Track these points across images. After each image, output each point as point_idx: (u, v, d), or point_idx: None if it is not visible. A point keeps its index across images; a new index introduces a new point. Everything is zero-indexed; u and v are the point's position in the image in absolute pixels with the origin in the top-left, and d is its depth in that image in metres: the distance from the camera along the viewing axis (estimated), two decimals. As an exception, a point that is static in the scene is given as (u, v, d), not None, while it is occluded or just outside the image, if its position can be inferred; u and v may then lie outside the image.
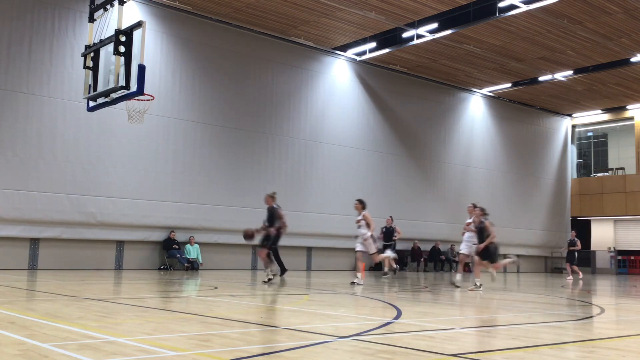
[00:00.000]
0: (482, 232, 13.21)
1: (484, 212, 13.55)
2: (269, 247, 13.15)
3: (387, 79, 25.31)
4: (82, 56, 11.73)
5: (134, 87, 9.97)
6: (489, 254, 13.09)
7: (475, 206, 14.06)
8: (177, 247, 18.91)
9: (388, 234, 20.18)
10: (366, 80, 24.71)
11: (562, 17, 19.78)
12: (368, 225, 13.56)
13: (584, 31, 20.90)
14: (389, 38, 22.88)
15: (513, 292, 13.45)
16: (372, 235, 13.73)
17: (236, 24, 20.88)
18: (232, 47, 20.95)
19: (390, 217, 20.69)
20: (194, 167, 19.71)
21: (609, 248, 31.22)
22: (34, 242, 16.96)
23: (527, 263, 30.79)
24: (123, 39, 10.08)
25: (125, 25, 10.33)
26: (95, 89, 10.96)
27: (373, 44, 23.17)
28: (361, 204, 13.74)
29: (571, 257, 21.52)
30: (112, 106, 11.53)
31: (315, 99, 23.09)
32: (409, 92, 26.03)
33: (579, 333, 6.35)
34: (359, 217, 13.62)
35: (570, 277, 21.09)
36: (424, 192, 26.17)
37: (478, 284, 12.78)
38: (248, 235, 13.11)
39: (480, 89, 28.39)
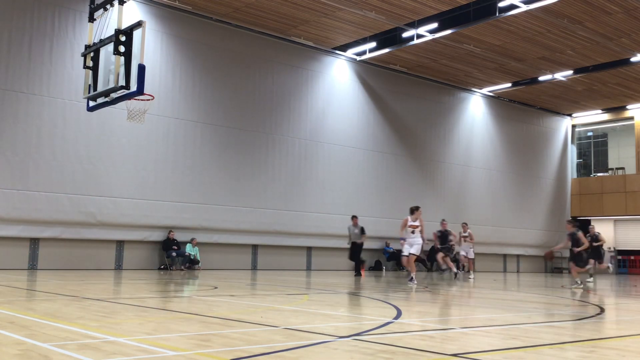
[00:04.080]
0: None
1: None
2: None
3: (387, 79, 25.31)
4: (82, 56, 11.73)
5: (134, 87, 9.97)
6: None
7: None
8: (176, 247, 18.91)
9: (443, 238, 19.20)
10: (366, 80, 24.71)
11: (562, 17, 19.77)
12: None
13: (584, 31, 20.90)
14: (389, 38, 22.87)
15: (513, 292, 13.45)
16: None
17: (236, 24, 20.88)
18: (232, 47, 20.95)
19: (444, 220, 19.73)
20: (194, 167, 19.71)
21: (609, 248, 31.21)
22: (34, 242, 16.96)
23: (527, 263, 30.83)
24: (123, 38, 10.09)
25: (125, 25, 10.33)
26: (95, 88, 10.97)
27: (373, 44, 23.16)
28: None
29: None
30: (112, 106, 11.53)
31: (315, 99, 23.09)
32: (409, 92, 26.03)
33: (579, 333, 6.35)
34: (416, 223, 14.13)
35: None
36: (423, 192, 26.16)
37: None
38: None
39: (480, 89, 28.39)
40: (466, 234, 19.70)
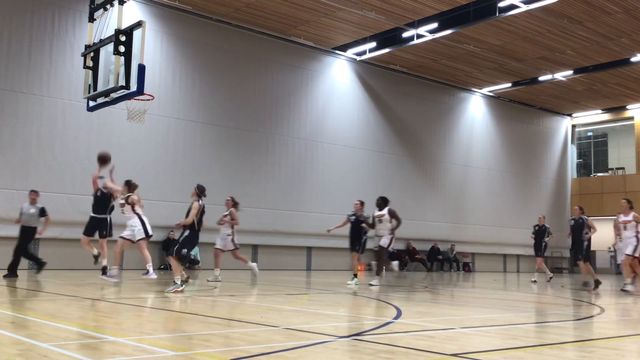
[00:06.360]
0: None
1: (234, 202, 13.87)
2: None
3: (387, 79, 25.31)
4: (82, 56, 11.73)
5: (134, 87, 9.97)
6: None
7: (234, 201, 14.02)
8: (177, 247, 18.89)
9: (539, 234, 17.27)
10: (366, 80, 24.70)
11: (562, 17, 19.77)
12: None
13: (584, 31, 20.90)
14: (389, 38, 22.87)
15: (513, 292, 13.44)
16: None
17: (236, 24, 20.87)
18: (232, 47, 20.94)
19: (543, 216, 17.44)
20: (194, 167, 19.70)
21: (609, 248, 31.20)
22: (34, 242, 16.92)
23: (527, 263, 30.81)
24: (123, 38, 10.08)
25: (125, 25, 10.33)
26: (95, 88, 10.97)
27: (373, 44, 23.16)
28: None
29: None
30: (112, 106, 11.54)
31: (315, 99, 23.08)
32: (409, 92, 26.03)
33: (579, 333, 6.35)
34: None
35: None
36: (423, 192, 26.16)
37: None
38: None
39: (480, 89, 28.39)
40: (226, 213, 13.75)
